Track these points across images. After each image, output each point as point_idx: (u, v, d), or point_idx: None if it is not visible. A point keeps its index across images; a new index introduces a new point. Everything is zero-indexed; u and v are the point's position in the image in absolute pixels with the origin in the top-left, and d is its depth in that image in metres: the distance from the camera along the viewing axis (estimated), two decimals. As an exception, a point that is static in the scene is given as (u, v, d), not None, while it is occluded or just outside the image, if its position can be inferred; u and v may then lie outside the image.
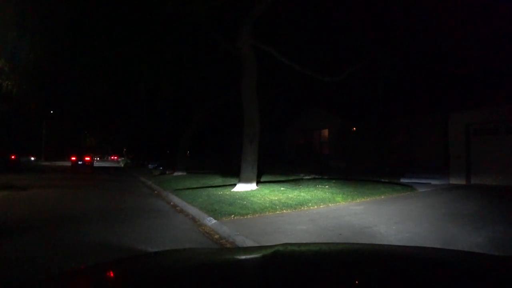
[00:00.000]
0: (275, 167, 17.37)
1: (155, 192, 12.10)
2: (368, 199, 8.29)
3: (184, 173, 18.10)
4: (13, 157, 32.53)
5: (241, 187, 9.92)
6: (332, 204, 7.63)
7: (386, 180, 12.11)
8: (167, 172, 20.14)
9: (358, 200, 8.12)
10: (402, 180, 12.17)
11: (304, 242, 4.48)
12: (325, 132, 20.34)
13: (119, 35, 11.93)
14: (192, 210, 7.42)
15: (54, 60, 13.09)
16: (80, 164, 32.07)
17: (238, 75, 11.26)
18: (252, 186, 10.01)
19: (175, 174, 18.26)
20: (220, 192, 9.63)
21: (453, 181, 11.75)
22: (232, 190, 9.84)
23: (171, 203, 9.01)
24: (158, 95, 15.91)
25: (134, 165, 36.19)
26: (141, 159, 36.95)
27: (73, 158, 32.95)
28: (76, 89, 17.43)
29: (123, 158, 59.93)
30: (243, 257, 1.72)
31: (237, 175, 10.68)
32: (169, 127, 23.78)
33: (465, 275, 1.25)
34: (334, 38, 13.34)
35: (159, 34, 12.02)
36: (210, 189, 10.50)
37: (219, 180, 13.22)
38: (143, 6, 11.06)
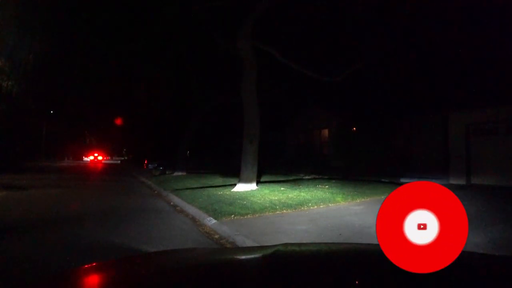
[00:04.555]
0: (275, 167, 17.37)
1: (155, 192, 12.10)
2: (368, 199, 8.29)
3: (184, 173, 18.10)
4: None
5: (241, 187, 9.92)
6: (332, 204, 7.63)
7: (386, 180, 12.11)
8: (167, 172, 20.13)
9: (358, 200, 8.12)
10: (402, 180, 12.16)
11: (304, 242, 4.48)
12: (325, 132, 20.33)
13: (119, 35, 11.94)
14: (192, 210, 7.42)
15: (54, 60, 13.10)
16: (95, 160, 62.97)
17: (238, 75, 11.26)
18: (252, 186, 10.01)
19: (175, 174, 18.25)
20: (220, 192, 9.63)
21: (453, 181, 11.74)
22: (232, 190, 9.85)
23: (171, 203, 9.01)
24: (158, 95, 15.92)
25: (134, 165, 36.24)
26: (141, 159, 37.04)
27: (91, 157, 65.89)
28: (76, 89, 17.44)
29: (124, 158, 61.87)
30: (243, 257, 1.72)
31: (237, 175, 10.68)
32: (169, 127, 23.78)
33: (465, 275, 1.25)
34: (334, 38, 13.34)
35: (159, 34, 12.02)
36: (210, 189, 10.50)
37: (219, 180, 13.21)
38: (143, 6, 11.06)
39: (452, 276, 1.23)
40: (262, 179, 12.25)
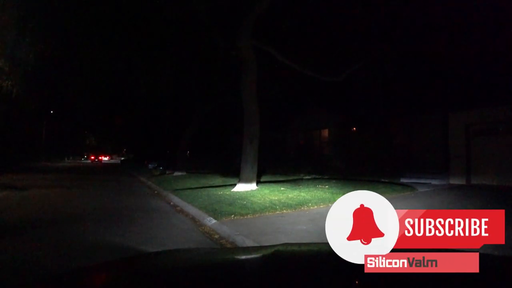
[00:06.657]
0: (275, 167, 17.37)
1: (155, 192, 12.10)
2: (368, 199, 8.27)
3: (184, 173, 18.10)
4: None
5: (241, 187, 9.92)
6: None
7: (386, 180, 12.10)
8: (167, 172, 20.13)
9: (358, 200, 8.10)
10: (402, 180, 12.16)
11: (304, 242, 4.48)
12: (325, 132, 20.33)
13: (119, 35, 11.94)
14: (192, 210, 7.42)
15: (53, 60, 13.09)
16: (96, 160, 64.52)
17: (238, 75, 11.26)
18: (252, 186, 10.01)
19: (175, 174, 18.26)
20: (220, 192, 9.63)
21: (453, 181, 11.73)
22: (232, 190, 9.84)
23: (171, 203, 9.01)
24: (158, 95, 15.91)
25: (134, 164, 36.25)
26: (141, 158, 37.11)
27: (92, 157, 67.49)
28: (76, 89, 17.43)
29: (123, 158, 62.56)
30: (243, 257, 1.72)
31: (237, 175, 10.68)
32: (169, 127, 23.78)
33: (465, 275, 1.25)
34: (334, 38, 13.33)
35: (158, 34, 12.02)
36: (210, 189, 10.50)
37: (219, 180, 13.21)
38: (143, 6, 11.06)
39: (452, 276, 1.24)
40: (262, 179, 12.25)
